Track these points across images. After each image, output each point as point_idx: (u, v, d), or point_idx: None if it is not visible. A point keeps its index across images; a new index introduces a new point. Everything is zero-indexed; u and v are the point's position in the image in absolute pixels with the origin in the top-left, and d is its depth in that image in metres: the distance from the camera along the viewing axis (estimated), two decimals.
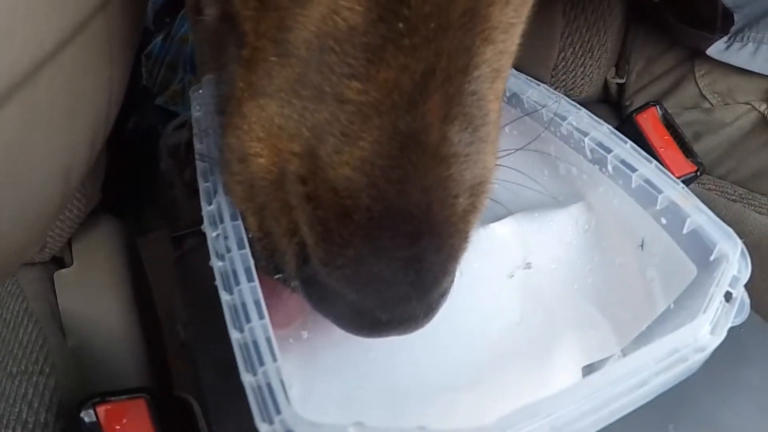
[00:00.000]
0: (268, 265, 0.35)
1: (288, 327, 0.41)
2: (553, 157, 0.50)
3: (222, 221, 0.37)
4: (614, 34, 0.75)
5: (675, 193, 0.41)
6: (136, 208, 0.79)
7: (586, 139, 0.46)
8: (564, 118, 0.47)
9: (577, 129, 0.46)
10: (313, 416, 0.29)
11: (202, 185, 0.40)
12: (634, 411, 0.34)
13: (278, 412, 0.29)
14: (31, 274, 0.53)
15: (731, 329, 0.35)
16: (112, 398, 0.39)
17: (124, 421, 0.39)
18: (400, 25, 0.26)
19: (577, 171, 0.49)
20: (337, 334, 0.35)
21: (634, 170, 0.43)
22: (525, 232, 0.50)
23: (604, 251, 0.48)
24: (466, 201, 0.30)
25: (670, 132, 0.60)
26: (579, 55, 0.75)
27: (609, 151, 0.44)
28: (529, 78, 0.50)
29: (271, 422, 0.29)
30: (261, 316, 0.33)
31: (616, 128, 0.46)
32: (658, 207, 0.42)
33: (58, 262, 0.56)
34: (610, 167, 0.45)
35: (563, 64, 0.75)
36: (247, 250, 0.36)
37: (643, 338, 0.42)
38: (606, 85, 0.81)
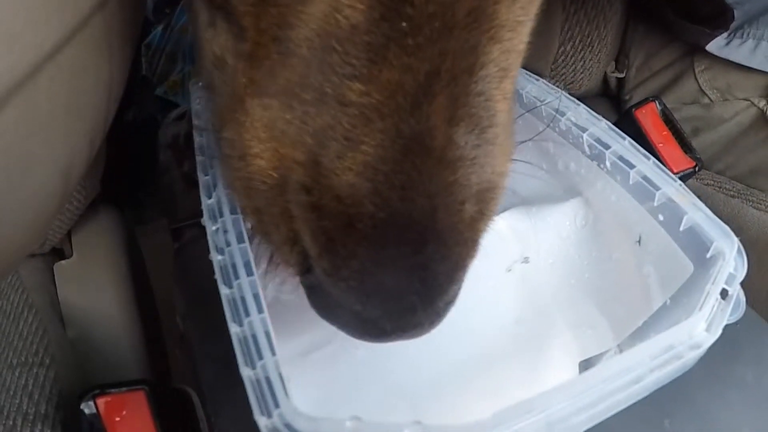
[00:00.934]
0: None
1: None
2: (552, 153, 0.50)
3: (222, 215, 0.38)
4: (614, 28, 0.75)
5: (672, 190, 0.41)
6: (135, 198, 0.79)
7: (585, 135, 0.46)
8: (563, 114, 0.47)
9: (575, 124, 0.46)
10: (311, 410, 0.29)
11: (202, 179, 0.40)
12: (630, 405, 0.34)
13: (277, 405, 0.29)
14: (31, 266, 0.53)
15: (726, 326, 0.36)
16: (112, 390, 0.39)
17: (124, 412, 0.39)
18: (404, 24, 0.25)
19: (575, 166, 0.49)
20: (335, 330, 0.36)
21: (632, 166, 0.43)
22: (522, 227, 0.50)
23: (602, 247, 0.48)
24: (473, 207, 0.29)
25: (669, 127, 0.60)
26: (579, 49, 0.75)
27: (607, 147, 0.45)
28: (529, 73, 0.50)
29: (269, 416, 0.29)
30: (260, 310, 0.33)
31: (615, 123, 0.46)
32: (655, 203, 0.42)
33: (58, 253, 0.56)
34: (608, 163, 0.45)
35: (563, 58, 0.75)
36: (247, 244, 0.36)
37: (639, 334, 0.42)
38: (606, 80, 0.82)
